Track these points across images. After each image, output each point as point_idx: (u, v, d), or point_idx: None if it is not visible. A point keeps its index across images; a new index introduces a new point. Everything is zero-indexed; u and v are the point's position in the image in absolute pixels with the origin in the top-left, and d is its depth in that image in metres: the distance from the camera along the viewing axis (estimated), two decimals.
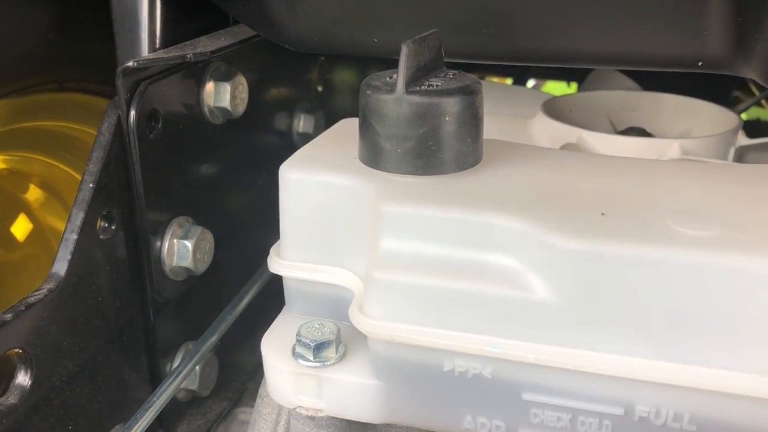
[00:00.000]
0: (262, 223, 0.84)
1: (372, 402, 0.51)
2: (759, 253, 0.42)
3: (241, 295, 0.79)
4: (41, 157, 0.91)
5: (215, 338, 0.74)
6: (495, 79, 1.52)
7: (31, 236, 0.92)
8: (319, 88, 0.98)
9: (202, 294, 0.76)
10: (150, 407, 0.64)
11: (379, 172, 0.53)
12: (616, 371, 0.45)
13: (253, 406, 0.63)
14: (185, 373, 0.70)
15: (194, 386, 0.75)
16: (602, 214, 0.47)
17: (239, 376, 0.84)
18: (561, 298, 0.45)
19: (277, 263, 0.56)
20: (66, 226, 0.61)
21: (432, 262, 0.48)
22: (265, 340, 0.55)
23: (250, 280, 0.80)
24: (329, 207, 0.53)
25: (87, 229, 0.61)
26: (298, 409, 0.53)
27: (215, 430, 0.80)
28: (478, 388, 0.48)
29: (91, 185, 0.62)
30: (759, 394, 0.43)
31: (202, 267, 0.72)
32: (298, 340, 0.52)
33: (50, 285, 0.58)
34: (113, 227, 0.65)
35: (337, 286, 0.54)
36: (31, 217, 0.92)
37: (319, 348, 0.52)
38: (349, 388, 0.51)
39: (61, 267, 0.60)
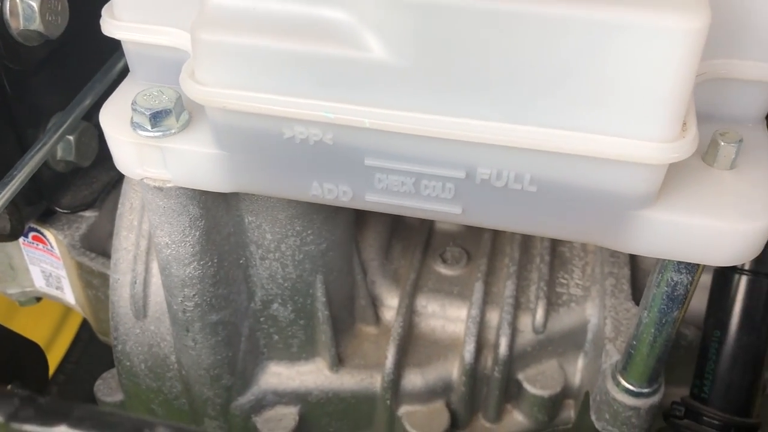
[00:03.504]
0: None
1: (217, 172, 0.49)
2: (607, 3, 0.38)
3: (113, 61, 0.73)
4: None
5: (87, 104, 0.70)
6: None
7: None
8: None
9: (65, 61, 0.71)
10: (12, 180, 0.62)
11: None
12: (455, 134, 0.42)
13: None
14: (52, 142, 0.66)
15: (71, 157, 0.73)
16: None
17: None
18: (399, 57, 0.41)
19: (110, 24, 0.50)
20: None
21: (261, 18, 0.43)
22: (104, 109, 0.51)
23: None
24: None
25: None
26: (145, 180, 0.51)
27: (104, 198, 0.79)
28: (320, 154, 0.46)
29: None
30: (598, 153, 0.41)
31: (56, 30, 0.66)
32: (134, 109, 0.48)
33: None
34: None
35: (177, 48, 0.50)
36: None
37: (156, 117, 0.48)
38: (192, 158, 0.49)
39: None
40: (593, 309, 0.69)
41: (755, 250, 0.46)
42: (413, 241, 0.75)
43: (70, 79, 0.71)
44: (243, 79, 0.44)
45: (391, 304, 0.71)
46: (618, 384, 0.60)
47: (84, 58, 0.72)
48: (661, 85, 0.39)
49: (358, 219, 0.70)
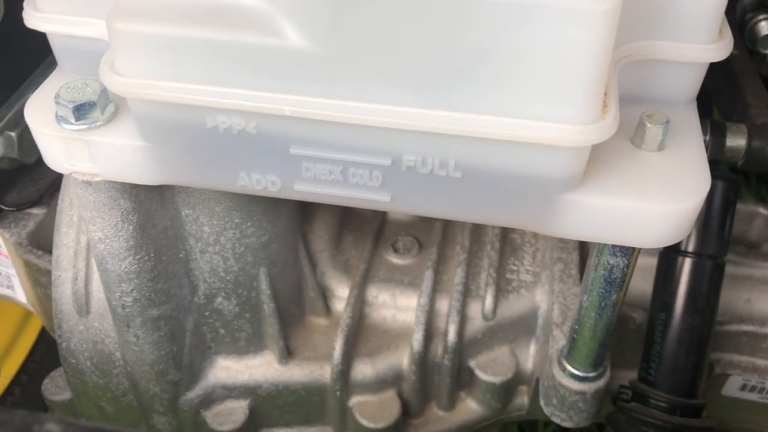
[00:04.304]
0: None
1: (144, 164, 0.48)
2: None
3: None
4: None
5: (26, 99, 0.68)
6: None
7: None
8: None
9: (4, 55, 0.69)
10: None
11: None
12: (376, 121, 0.42)
13: None
14: None
15: (14, 154, 0.71)
16: None
17: None
18: (314, 43, 0.41)
19: (32, 16, 0.49)
20: None
21: (177, 7, 0.42)
22: (29, 103, 0.50)
23: None
24: None
25: None
26: (74, 175, 0.50)
27: (52, 195, 0.78)
28: (245, 144, 0.45)
29: None
30: (517, 137, 0.41)
31: None
32: (57, 102, 0.48)
33: None
34: None
35: (100, 40, 0.49)
36: None
37: (79, 109, 0.47)
38: (118, 150, 0.48)
39: None
40: (543, 295, 0.69)
41: (684, 231, 0.46)
42: (365, 231, 0.75)
43: (10, 74, 0.70)
44: (161, 69, 0.43)
45: (342, 295, 0.71)
46: (563, 369, 0.60)
47: (24, 53, 0.71)
48: (575, 68, 0.38)
49: (307, 211, 0.69)
